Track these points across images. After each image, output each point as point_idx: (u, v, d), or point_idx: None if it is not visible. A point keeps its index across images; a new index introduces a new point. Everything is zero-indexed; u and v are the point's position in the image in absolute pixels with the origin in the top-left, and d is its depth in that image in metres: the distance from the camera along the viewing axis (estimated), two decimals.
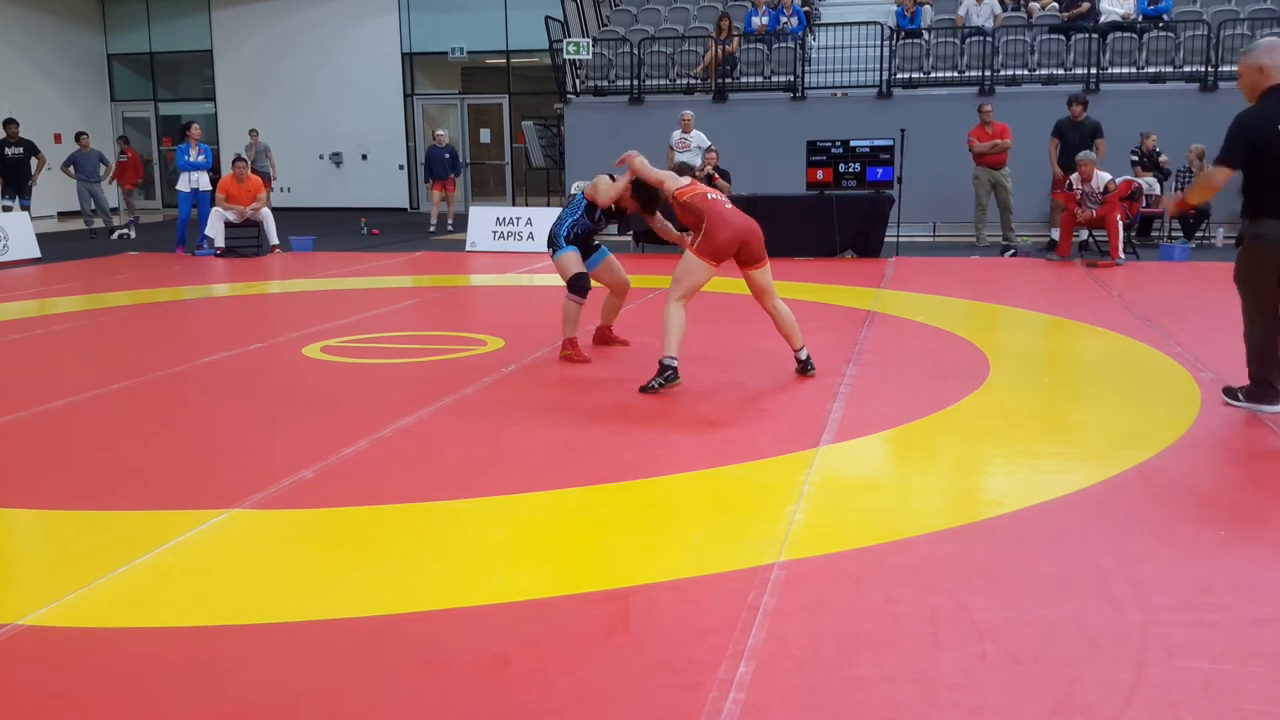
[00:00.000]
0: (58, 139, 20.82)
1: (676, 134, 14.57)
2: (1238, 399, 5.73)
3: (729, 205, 6.46)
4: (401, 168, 22.57)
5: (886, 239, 13.42)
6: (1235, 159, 5.44)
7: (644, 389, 6.22)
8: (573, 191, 7.96)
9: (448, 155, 17.41)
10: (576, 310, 7.12)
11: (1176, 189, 14.21)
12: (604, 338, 7.71)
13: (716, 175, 14.02)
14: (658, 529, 4.14)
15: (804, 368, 6.63)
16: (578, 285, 7.09)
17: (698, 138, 14.43)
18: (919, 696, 2.84)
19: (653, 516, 4.31)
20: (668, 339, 6.22)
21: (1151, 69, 15.86)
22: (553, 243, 7.20)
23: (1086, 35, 15.95)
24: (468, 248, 14.63)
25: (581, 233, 7.22)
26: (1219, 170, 5.49)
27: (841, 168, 13.42)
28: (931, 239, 15.68)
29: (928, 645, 3.12)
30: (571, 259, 7.13)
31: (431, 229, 17.15)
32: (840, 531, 4.04)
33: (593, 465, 4.90)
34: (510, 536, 4.07)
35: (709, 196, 6.48)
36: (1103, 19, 16.30)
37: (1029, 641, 3.13)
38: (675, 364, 6.19)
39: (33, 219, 14.84)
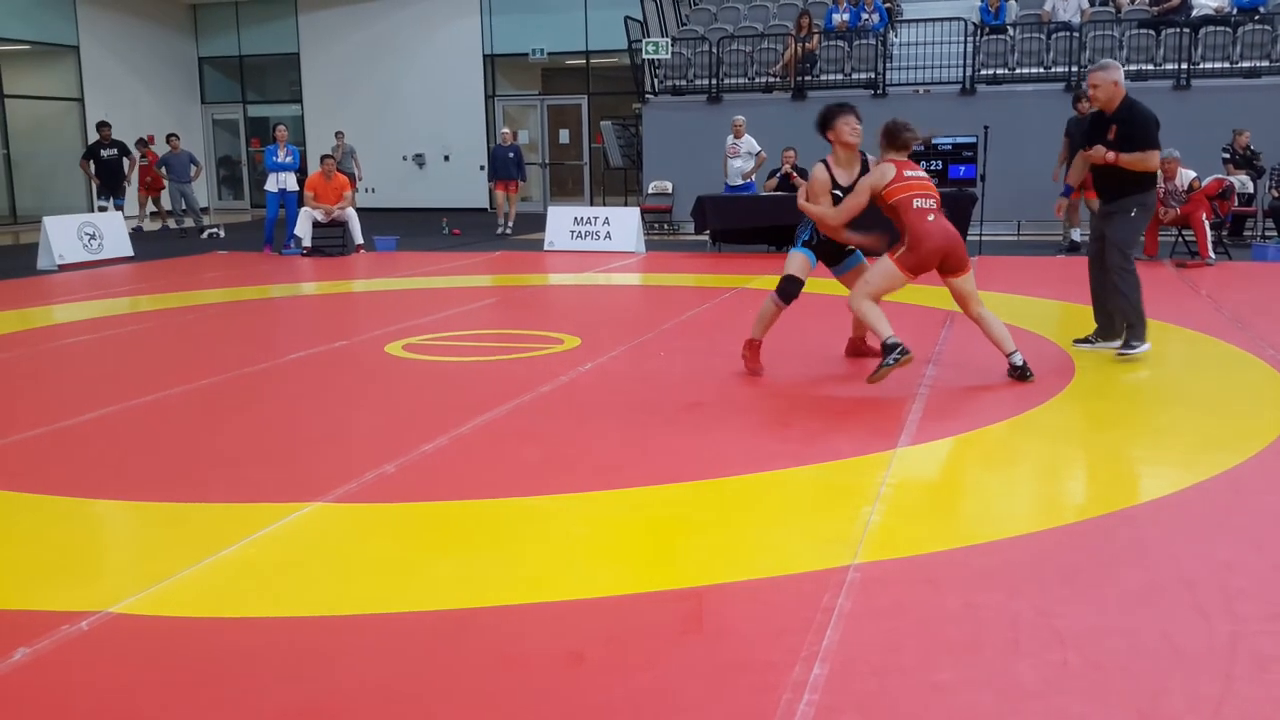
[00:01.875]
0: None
1: (729, 139, 14.91)
2: (1131, 347, 6.89)
3: (932, 215, 6.21)
4: (482, 168, 22.77)
5: (969, 237, 13.20)
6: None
7: (874, 377, 6.02)
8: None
9: (511, 154, 17.13)
10: (773, 313, 6.64)
11: (1271, 187, 13.80)
12: (856, 349, 7.12)
13: (794, 174, 13.98)
14: (733, 529, 4.13)
15: (1021, 373, 6.23)
16: (784, 287, 6.57)
17: (748, 143, 14.84)
18: (998, 704, 2.79)
19: (728, 516, 4.29)
20: (877, 327, 6.09)
21: (1246, 63, 15.41)
22: (794, 240, 6.74)
23: (1178, 30, 15.56)
24: (546, 247, 14.73)
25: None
26: (1155, 154, 6.83)
27: (923, 165, 13.18)
28: (1015, 238, 15.43)
29: (1008, 651, 3.07)
30: (795, 260, 6.59)
31: (499, 230, 17.14)
32: (918, 534, 3.99)
33: (668, 464, 4.90)
34: (587, 534, 4.09)
35: (914, 205, 6.20)
36: (1195, 12, 15.89)
37: (1113, 650, 3.06)
38: (897, 340, 5.96)
39: (125, 218, 15.27)
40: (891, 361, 5.94)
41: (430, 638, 3.22)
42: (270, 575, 3.71)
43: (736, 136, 14.81)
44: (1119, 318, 7.10)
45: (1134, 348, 6.89)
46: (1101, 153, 6.85)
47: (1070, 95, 14.40)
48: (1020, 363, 6.29)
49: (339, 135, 19.08)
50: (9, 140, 21.07)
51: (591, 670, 3.00)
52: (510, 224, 17.24)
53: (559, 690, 2.90)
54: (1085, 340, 7.30)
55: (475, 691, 2.90)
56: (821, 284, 10.10)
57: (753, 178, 14.88)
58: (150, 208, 18.87)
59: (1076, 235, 13.36)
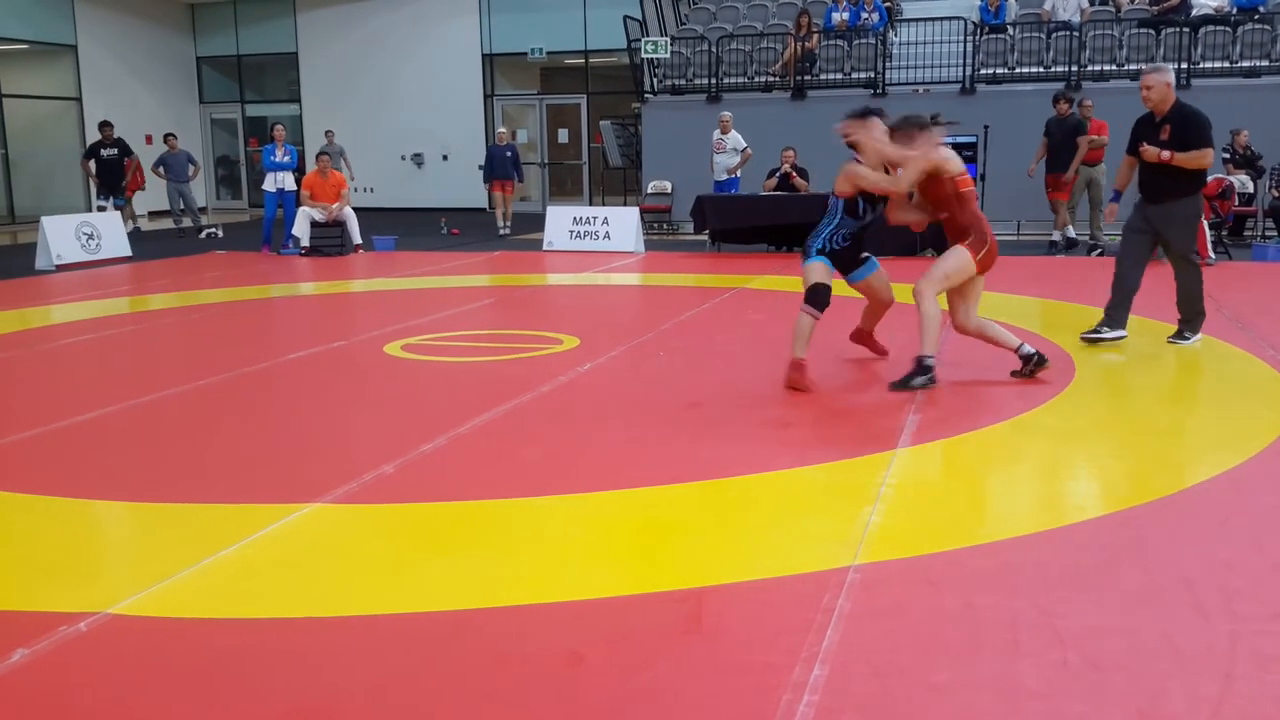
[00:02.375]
0: (149, 140, 21.38)
1: (716, 134, 14.98)
2: (1185, 338, 7.32)
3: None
4: (480, 168, 22.76)
5: None
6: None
7: (898, 385, 5.99)
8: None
9: (509, 154, 16.94)
10: (809, 325, 6.20)
11: (1271, 187, 13.80)
12: (861, 338, 7.00)
13: (794, 174, 13.98)
14: (733, 529, 4.13)
15: (1035, 361, 6.19)
16: (814, 296, 6.21)
17: (734, 139, 14.93)
18: (998, 704, 2.79)
19: (728, 517, 4.29)
20: (927, 337, 5.98)
21: (1246, 63, 15.41)
22: (805, 253, 6.40)
23: (1177, 29, 15.56)
24: (545, 247, 14.72)
25: (845, 241, 6.40)
26: (1210, 152, 7.03)
27: None
28: (1015, 237, 15.42)
29: (1008, 652, 3.06)
30: (816, 268, 6.28)
31: (501, 231, 17.05)
32: (918, 535, 3.98)
33: (668, 465, 4.90)
34: (586, 534, 4.08)
35: (976, 201, 6.19)
36: (1195, 12, 15.89)
37: (1112, 650, 3.05)
38: (933, 363, 5.94)
39: (125, 218, 15.26)
40: (920, 383, 5.93)
41: (429, 638, 3.22)
42: (269, 576, 3.71)
43: (723, 132, 14.92)
44: (1123, 311, 7.38)
45: (1186, 338, 7.32)
46: (1155, 152, 7.03)
47: (1071, 96, 14.42)
48: (1030, 351, 6.24)
49: (329, 134, 19.03)
50: (7, 140, 21.06)
51: (591, 671, 3.00)
52: (508, 223, 17.20)
53: (558, 691, 2.89)
54: (1092, 333, 7.40)
55: (474, 692, 2.90)
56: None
57: (738, 173, 14.94)
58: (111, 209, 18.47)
59: (1072, 233, 13.41)
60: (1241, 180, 13.55)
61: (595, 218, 14.86)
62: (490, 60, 22.72)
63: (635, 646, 3.14)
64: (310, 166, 15.92)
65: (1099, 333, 7.36)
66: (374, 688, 2.92)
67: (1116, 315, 7.37)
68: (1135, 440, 5.24)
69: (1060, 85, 15.57)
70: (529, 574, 3.69)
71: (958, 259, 6.08)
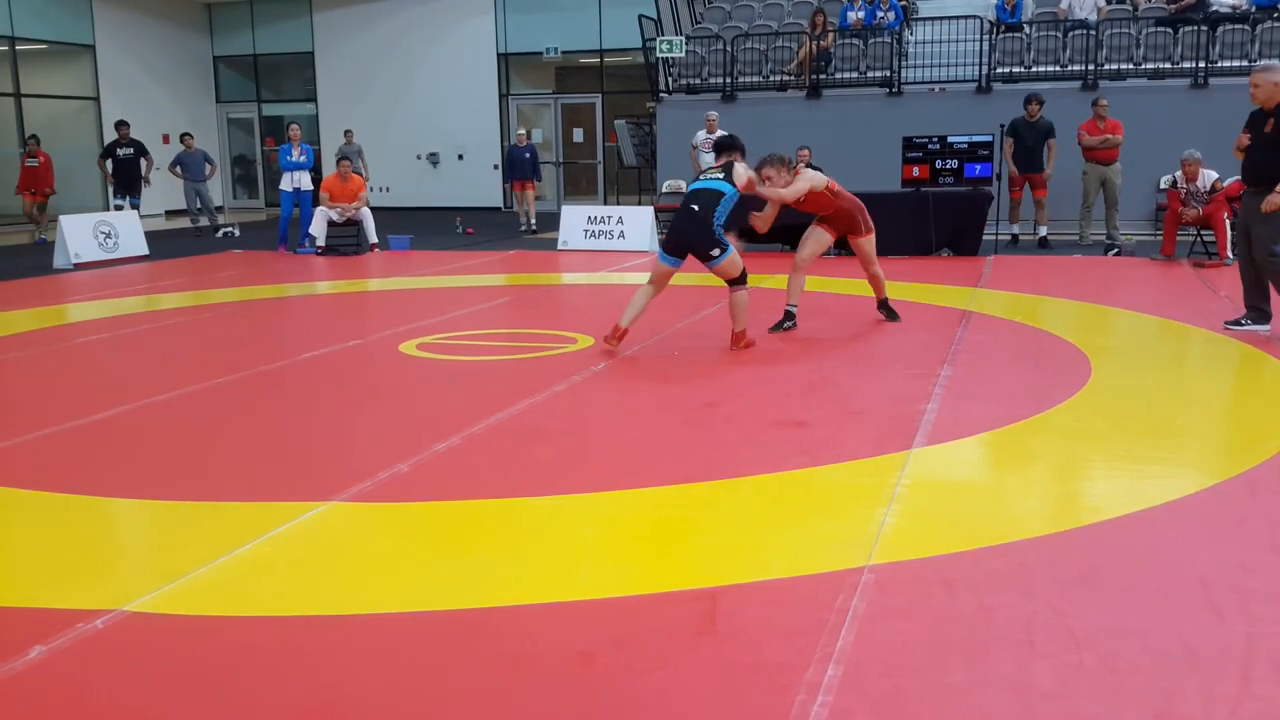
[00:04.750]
0: (165, 139, 21.47)
1: (701, 134, 15.01)
2: (1242, 324, 7.67)
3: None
4: (496, 167, 22.78)
5: (984, 237, 13.18)
6: None
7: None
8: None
9: (528, 155, 17.20)
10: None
11: None
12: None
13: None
14: (746, 529, 4.12)
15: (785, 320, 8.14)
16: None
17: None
18: (1012, 705, 2.78)
19: (741, 517, 4.29)
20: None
21: (1264, 61, 15.31)
22: (724, 240, 7.86)
23: (1195, 28, 15.47)
24: (559, 246, 14.73)
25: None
26: None
27: (938, 164, 13.23)
28: (1032, 237, 15.34)
29: (1022, 653, 3.05)
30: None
31: (522, 228, 17.22)
32: (933, 535, 3.97)
33: (681, 464, 4.90)
34: (598, 534, 4.08)
35: None
36: (1213, 9, 15.80)
37: (1127, 651, 3.04)
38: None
39: (141, 217, 15.32)
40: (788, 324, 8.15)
41: (441, 637, 3.22)
42: (284, 574, 3.72)
43: (709, 131, 14.91)
44: (1266, 303, 7.73)
45: (1243, 324, 7.68)
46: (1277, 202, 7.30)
47: (1089, 95, 14.38)
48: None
49: (348, 134, 19.09)
50: (26, 140, 21.15)
51: (603, 671, 3.00)
52: (533, 221, 17.28)
53: (569, 690, 2.89)
54: (1235, 323, 7.74)
55: (486, 691, 2.90)
56: (827, 283, 10.11)
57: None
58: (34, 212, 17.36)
59: (1014, 230, 13.72)
60: None
61: (610, 217, 14.85)
62: (505, 59, 22.75)
63: (647, 646, 3.14)
64: (327, 166, 15.94)
65: (1241, 324, 7.69)
66: (387, 686, 2.93)
67: (1255, 309, 7.75)
68: (1151, 441, 5.21)
69: (1077, 84, 15.51)
70: (541, 573, 3.70)
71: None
